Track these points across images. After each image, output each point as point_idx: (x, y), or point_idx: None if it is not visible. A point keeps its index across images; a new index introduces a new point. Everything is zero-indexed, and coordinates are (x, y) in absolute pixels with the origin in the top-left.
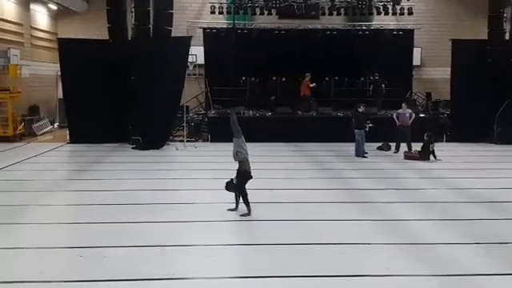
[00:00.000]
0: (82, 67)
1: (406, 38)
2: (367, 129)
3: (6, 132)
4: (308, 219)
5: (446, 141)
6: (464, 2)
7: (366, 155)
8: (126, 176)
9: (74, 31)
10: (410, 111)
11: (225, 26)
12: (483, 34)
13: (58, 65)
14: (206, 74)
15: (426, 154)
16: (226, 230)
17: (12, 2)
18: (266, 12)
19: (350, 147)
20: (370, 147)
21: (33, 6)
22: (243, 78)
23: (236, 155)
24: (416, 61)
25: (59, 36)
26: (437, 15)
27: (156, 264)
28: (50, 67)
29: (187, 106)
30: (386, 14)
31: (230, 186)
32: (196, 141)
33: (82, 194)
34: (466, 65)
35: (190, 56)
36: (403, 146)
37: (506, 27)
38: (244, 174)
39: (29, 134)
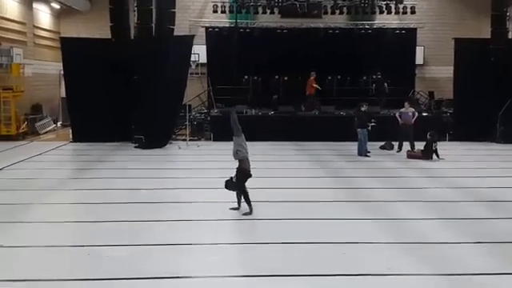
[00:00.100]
0: (85, 66)
1: (408, 37)
2: (370, 128)
3: (10, 131)
4: (310, 218)
5: (449, 140)
6: (467, 1)
7: (368, 154)
8: (128, 175)
9: (76, 30)
10: (413, 110)
11: (227, 25)
12: (486, 33)
13: (61, 64)
14: (209, 72)
15: (428, 153)
16: (229, 229)
17: (15, 0)
18: (268, 11)
19: (353, 146)
20: (373, 146)
21: (36, 5)
22: (245, 77)
23: (236, 154)
24: (419, 60)
25: (62, 35)
26: (439, 14)
27: (159, 263)
28: (53, 66)
29: (190, 105)
30: (389, 12)
31: (229, 185)
32: (198, 140)
33: (85, 193)
34: (469, 64)
35: (192, 55)
36: (406, 145)
37: (509, 26)
38: (243, 173)
39: (32, 133)
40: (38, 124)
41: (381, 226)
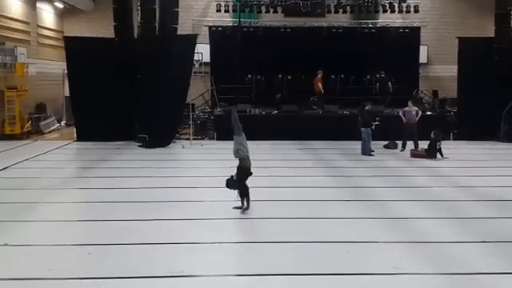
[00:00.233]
0: (89, 65)
1: (412, 36)
2: (373, 127)
3: (14, 130)
4: (314, 217)
5: (453, 139)
6: (470, 0)
7: (372, 153)
8: (132, 174)
9: (80, 29)
10: (417, 109)
11: (230, 24)
12: (490, 32)
13: (65, 63)
14: (212, 72)
15: (432, 152)
16: (232, 228)
17: (19, 0)
18: (271, 10)
19: (357, 145)
20: (377, 145)
21: (39, 5)
22: (249, 76)
23: (237, 152)
24: (422, 58)
25: (65, 34)
26: (443, 13)
27: (163, 262)
28: (57, 65)
29: (193, 104)
30: (392, 11)
31: (230, 184)
32: (202, 139)
33: (89, 192)
34: (473, 62)
35: (195, 54)
36: (410, 144)
37: None
38: (244, 171)
39: (36, 132)
40: (42, 123)
41: (385, 225)
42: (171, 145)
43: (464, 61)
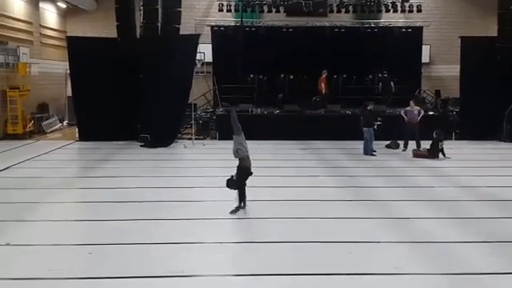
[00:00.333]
0: (91, 65)
1: (414, 36)
2: (376, 127)
3: (16, 129)
4: (315, 217)
5: (455, 139)
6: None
7: (374, 153)
8: (134, 174)
9: (82, 29)
10: (418, 108)
11: (233, 24)
12: (492, 32)
13: (67, 63)
14: (214, 71)
15: (434, 152)
16: (233, 228)
17: (21, 0)
18: (273, 10)
19: (359, 145)
20: (379, 145)
21: (42, 5)
22: (251, 76)
23: (236, 152)
24: (425, 58)
25: (68, 34)
26: (445, 12)
27: (163, 261)
28: (59, 65)
29: (195, 104)
30: (395, 11)
31: (230, 184)
32: (204, 138)
33: (91, 192)
34: (475, 62)
35: (198, 54)
36: (412, 144)
37: None
38: (244, 171)
39: (38, 132)
40: (44, 123)
41: (386, 225)
42: (173, 145)
43: (466, 61)
